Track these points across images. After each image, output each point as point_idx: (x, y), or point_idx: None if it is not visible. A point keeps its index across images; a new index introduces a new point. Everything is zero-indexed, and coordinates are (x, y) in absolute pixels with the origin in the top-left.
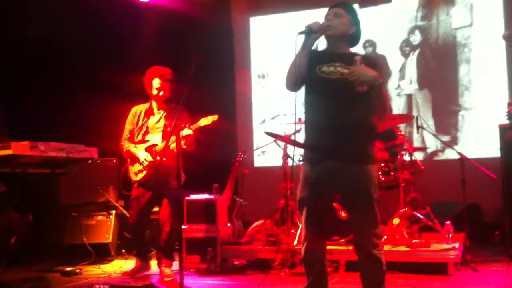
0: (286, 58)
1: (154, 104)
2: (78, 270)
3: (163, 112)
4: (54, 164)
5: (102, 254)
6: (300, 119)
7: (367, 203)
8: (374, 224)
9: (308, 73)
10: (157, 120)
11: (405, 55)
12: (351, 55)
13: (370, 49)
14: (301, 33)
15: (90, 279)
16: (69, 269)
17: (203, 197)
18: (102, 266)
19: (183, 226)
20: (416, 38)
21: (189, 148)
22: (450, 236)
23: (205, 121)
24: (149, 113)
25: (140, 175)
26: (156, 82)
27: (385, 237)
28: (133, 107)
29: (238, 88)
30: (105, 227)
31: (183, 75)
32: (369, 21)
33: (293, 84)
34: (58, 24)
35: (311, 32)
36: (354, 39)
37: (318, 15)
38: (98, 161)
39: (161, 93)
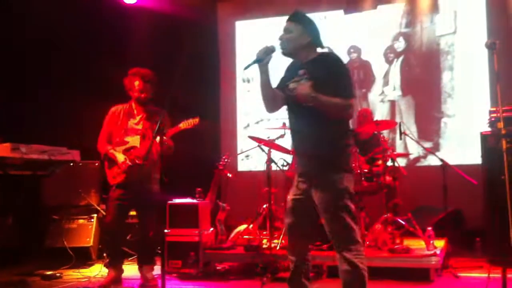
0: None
1: (133, 105)
2: (58, 274)
3: (142, 114)
4: (35, 166)
5: (83, 258)
6: (284, 124)
7: (337, 210)
8: (346, 230)
9: (283, 90)
10: (137, 122)
11: (389, 62)
12: (314, 60)
13: (355, 55)
14: (246, 67)
15: (70, 283)
16: (49, 273)
17: (186, 201)
18: (82, 270)
19: (165, 230)
20: (400, 44)
21: (167, 153)
22: (431, 242)
23: (185, 124)
24: (128, 114)
25: (119, 178)
26: (137, 83)
27: (367, 242)
28: (111, 108)
29: (222, 91)
30: (86, 231)
31: (168, 77)
32: (354, 27)
33: (269, 110)
34: (41, 23)
35: (259, 61)
36: (313, 45)
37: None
38: (80, 164)
39: (142, 94)
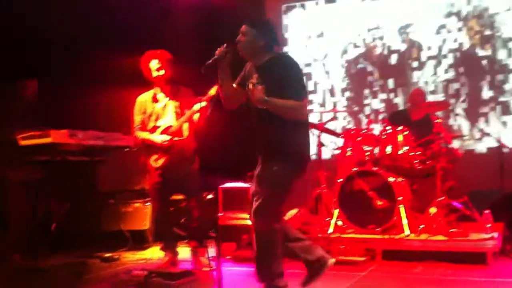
0: (320, 46)
1: (157, 90)
2: (116, 257)
3: (167, 95)
4: (92, 152)
5: (139, 240)
6: (334, 107)
7: (262, 190)
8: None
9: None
10: (164, 105)
11: (442, 41)
12: (267, 63)
13: (404, 36)
14: (206, 67)
15: (128, 265)
16: (107, 255)
17: (238, 185)
18: (139, 252)
19: (218, 214)
20: (454, 23)
21: (201, 123)
22: (489, 225)
23: (214, 90)
24: (153, 99)
25: (160, 161)
26: (154, 63)
27: (422, 226)
28: (137, 98)
29: None
30: (142, 214)
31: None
32: (405, 4)
33: (227, 105)
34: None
35: (218, 59)
36: (267, 48)
37: (351, 4)
38: (135, 149)
39: (161, 72)
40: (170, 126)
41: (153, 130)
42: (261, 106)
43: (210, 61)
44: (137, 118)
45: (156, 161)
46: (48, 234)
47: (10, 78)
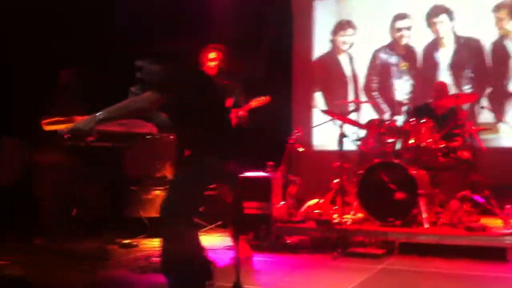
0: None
1: None
2: (135, 243)
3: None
4: (115, 138)
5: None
6: (357, 98)
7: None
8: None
9: None
10: None
11: (471, 31)
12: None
13: (432, 26)
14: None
15: (146, 252)
16: (126, 241)
17: (258, 175)
18: (158, 239)
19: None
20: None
21: (242, 126)
22: (510, 220)
23: (256, 102)
24: None
25: None
26: (211, 54)
27: (442, 220)
28: None
29: (295, 67)
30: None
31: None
32: None
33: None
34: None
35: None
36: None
37: None
38: (157, 137)
39: (216, 62)
40: None
41: None
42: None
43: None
44: None
45: None
46: (71, 218)
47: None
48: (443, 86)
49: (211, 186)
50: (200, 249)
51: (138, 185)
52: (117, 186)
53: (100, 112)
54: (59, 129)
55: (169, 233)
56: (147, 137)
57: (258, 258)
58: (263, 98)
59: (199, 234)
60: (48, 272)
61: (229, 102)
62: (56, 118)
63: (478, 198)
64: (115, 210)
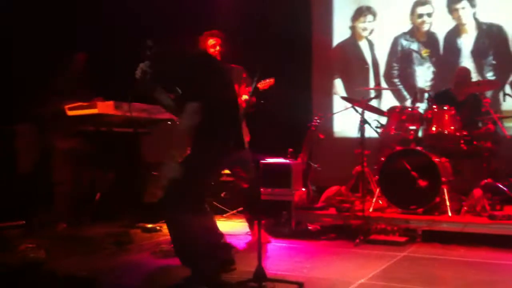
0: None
1: None
2: (158, 228)
3: None
4: (136, 124)
5: None
6: (378, 85)
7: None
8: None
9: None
10: None
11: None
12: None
13: (454, 13)
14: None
15: (169, 236)
16: (150, 226)
17: (278, 161)
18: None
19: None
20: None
21: (249, 110)
22: None
23: (262, 85)
24: None
25: None
26: (211, 41)
27: (465, 208)
28: None
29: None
30: None
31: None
32: None
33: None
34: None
35: (141, 83)
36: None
37: None
38: (177, 122)
39: (217, 48)
40: None
41: None
42: None
43: (136, 86)
44: None
45: None
46: (92, 204)
47: (60, 50)
48: (466, 72)
49: (229, 172)
50: (213, 234)
51: (159, 170)
52: (137, 171)
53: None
54: (82, 113)
55: (173, 219)
56: (168, 123)
57: (279, 244)
58: (267, 80)
59: (211, 220)
60: (70, 256)
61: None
62: (79, 103)
63: (501, 186)
64: (136, 195)
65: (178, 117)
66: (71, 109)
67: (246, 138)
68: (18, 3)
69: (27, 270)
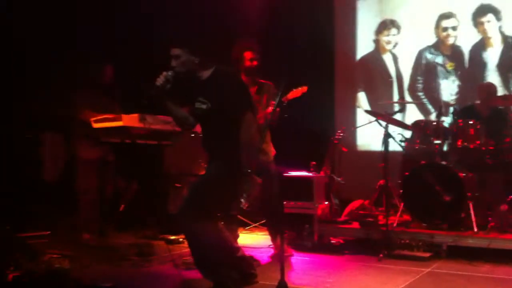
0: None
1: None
2: (181, 239)
3: (251, 87)
4: (160, 136)
5: None
6: (402, 98)
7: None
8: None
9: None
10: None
11: None
12: (209, 79)
13: (479, 27)
14: (148, 100)
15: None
16: (173, 237)
17: (301, 174)
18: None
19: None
20: None
21: (273, 123)
22: None
23: (294, 94)
24: None
25: None
26: (249, 54)
27: (491, 223)
28: None
29: (338, 66)
30: None
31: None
32: None
33: (183, 128)
34: None
35: (162, 88)
36: (204, 64)
37: None
38: (201, 135)
39: (254, 63)
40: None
41: None
42: None
43: (153, 91)
44: None
45: None
46: (116, 214)
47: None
48: (491, 87)
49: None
50: (232, 247)
51: (182, 182)
52: (161, 182)
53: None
54: (107, 126)
55: (191, 231)
56: (191, 135)
57: (301, 258)
58: (300, 88)
59: (228, 233)
60: (93, 266)
61: (263, 100)
62: (105, 116)
63: None
64: (159, 206)
65: (187, 130)
66: (97, 121)
67: (272, 151)
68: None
69: (51, 280)
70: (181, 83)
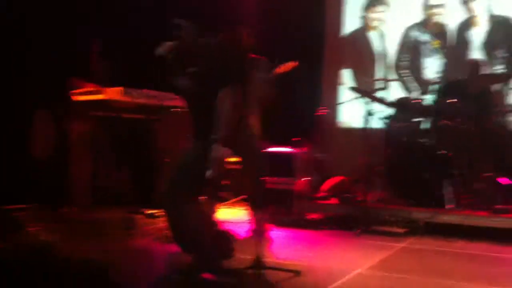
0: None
1: None
2: (159, 214)
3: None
4: (147, 111)
5: None
6: (386, 75)
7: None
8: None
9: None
10: None
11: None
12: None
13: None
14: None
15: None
16: (151, 211)
17: (282, 150)
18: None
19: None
20: None
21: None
22: None
23: (285, 67)
24: None
25: None
26: (242, 33)
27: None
28: None
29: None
30: None
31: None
32: None
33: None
34: None
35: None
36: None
37: None
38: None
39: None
40: None
41: None
42: None
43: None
44: None
45: None
46: (103, 188)
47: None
48: (476, 64)
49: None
50: (210, 224)
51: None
52: (149, 158)
53: None
54: (87, 99)
55: (171, 209)
56: (172, 110)
57: (280, 233)
58: (290, 63)
59: (210, 209)
60: (74, 240)
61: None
62: (85, 89)
63: (503, 180)
64: (147, 181)
65: (190, 101)
66: (79, 94)
67: (259, 128)
68: None
69: (35, 252)
70: (182, 54)
